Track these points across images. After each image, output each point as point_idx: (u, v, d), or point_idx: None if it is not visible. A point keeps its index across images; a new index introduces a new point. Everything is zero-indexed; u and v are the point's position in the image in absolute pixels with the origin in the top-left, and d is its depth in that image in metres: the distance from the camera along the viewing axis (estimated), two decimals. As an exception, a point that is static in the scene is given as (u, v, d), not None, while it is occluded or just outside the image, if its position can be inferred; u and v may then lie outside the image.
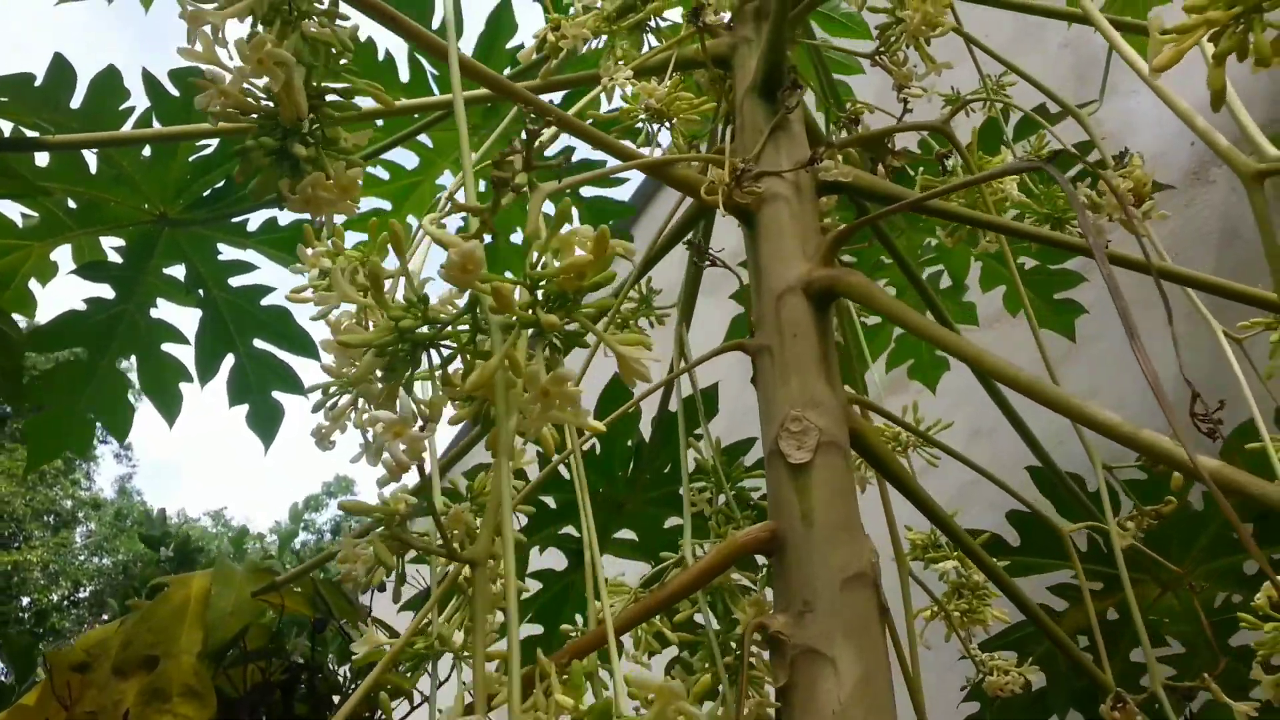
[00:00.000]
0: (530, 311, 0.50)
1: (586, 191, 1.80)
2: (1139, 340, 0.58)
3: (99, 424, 1.76)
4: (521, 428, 0.50)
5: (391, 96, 2.12)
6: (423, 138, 1.98)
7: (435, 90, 1.94)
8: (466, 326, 0.55)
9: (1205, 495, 1.54)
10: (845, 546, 0.81)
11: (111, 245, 1.72)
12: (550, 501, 1.87)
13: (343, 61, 0.71)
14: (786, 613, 0.80)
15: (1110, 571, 1.62)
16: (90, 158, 1.59)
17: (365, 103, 0.75)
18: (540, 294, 0.51)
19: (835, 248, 0.94)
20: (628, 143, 0.96)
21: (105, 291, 1.72)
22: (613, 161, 0.78)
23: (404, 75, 1.94)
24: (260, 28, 0.62)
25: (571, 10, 1.09)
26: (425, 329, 0.54)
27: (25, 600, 10.70)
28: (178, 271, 1.75)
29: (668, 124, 0.98)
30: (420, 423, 0.51)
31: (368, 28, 1.96)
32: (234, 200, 1.68)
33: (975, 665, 1.15)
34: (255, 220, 1.72)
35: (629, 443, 1.84)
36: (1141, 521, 0.98)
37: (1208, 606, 1.51)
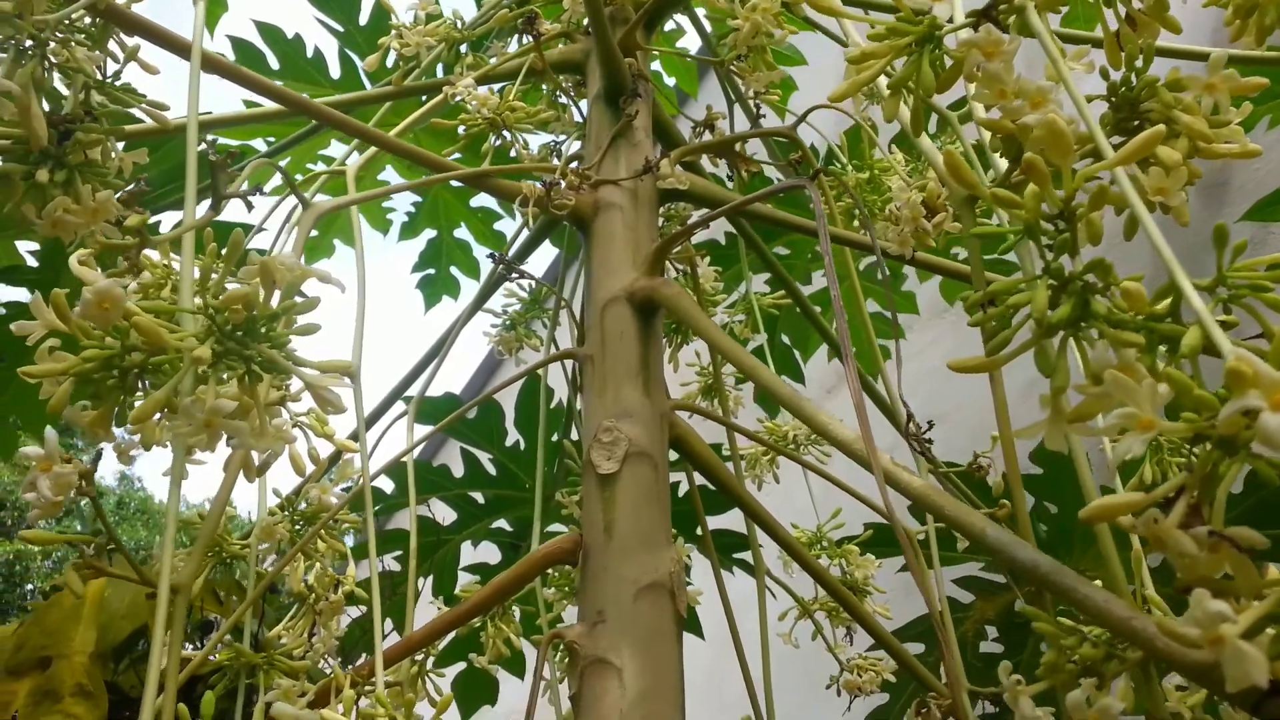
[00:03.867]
0: (210, 342, 0.51)
1: (475, 201, 1.82)
2: (851, 362, 0.59)
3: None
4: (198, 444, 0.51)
5: (323, 92, 2.11)
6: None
7: (367, 86, 1.95)
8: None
9: (1104, 490, 1.55)
10: (643, 557, 0.82)
11: (27, 249, 1.74)
12: (479, 497, 1.88)
13: (119, 81, 0.72)
14: (583, 623, 0.81)
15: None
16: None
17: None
18: (225, 325, 0.52)
19: (660, 256, 0.94)
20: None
21: (23, 295, 1.74)
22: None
23: (334, 72, 1.94)
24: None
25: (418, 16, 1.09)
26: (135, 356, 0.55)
27: (29, 587, 10.81)
28: (95, 274, 1.76)
29: (504, 134, 0.98)
30: (71, 463, 0.52)
31: (297, 24, 1.95)
32: (144, 201, 1.68)
33: (837, 662, 1.16)
34: (167, 222, 1.73)
35: (554, 438, 1.85)
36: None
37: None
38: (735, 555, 1.66)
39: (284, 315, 0.52)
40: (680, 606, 0.82)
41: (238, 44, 1.83)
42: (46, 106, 0.67)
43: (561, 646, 0.81)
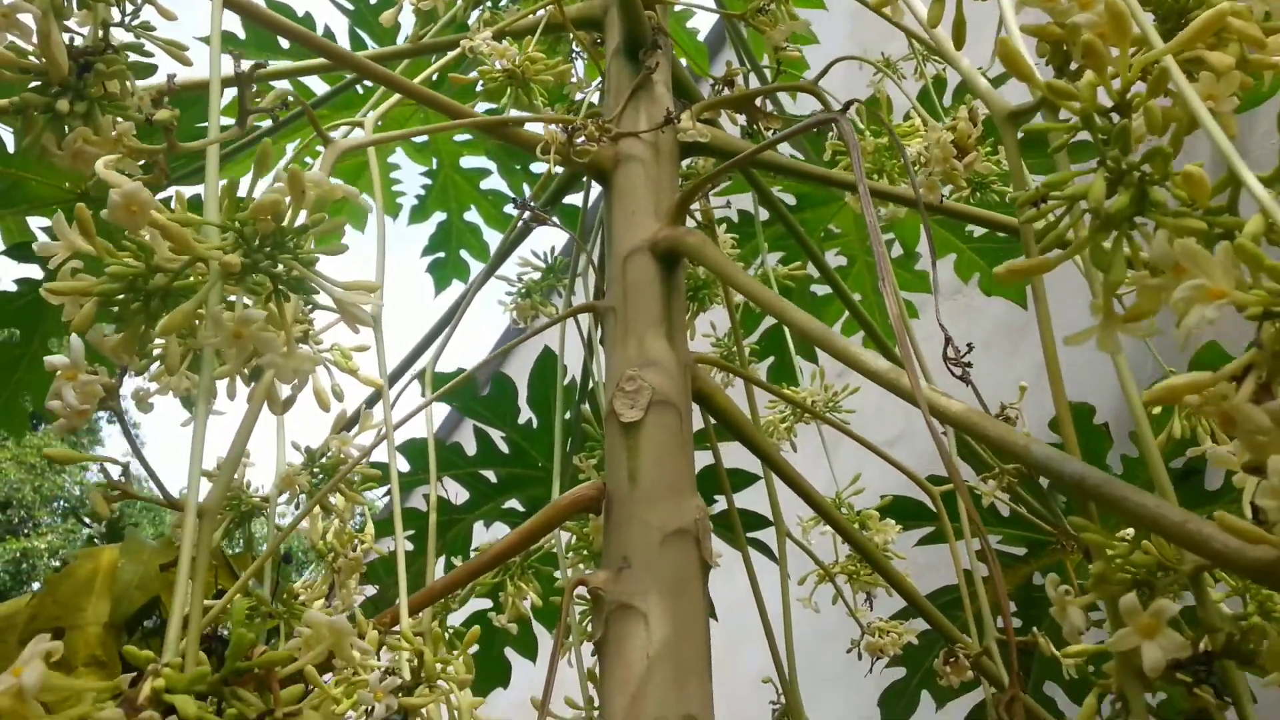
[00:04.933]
0: (238, 255, 0.50)
1: (486, 183, 1.81)
2: (891, 285, 0.58)
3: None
4: (225, 372, 0.50)
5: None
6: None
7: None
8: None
9: (1124, 458, 1.54)
10: (668, 504, 0.81)
11: (39, 226, 1.73)
12: (491, 476, 1.87)
13: (134, 20, 0.71)
14: (608, 569, 0.80)
15: (1034, 536, 1.61)
16: (7, 136, 1.59)
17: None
18: (253, 238, 0.51)
19: (683, 207, 0.93)
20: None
21: (35, 272, 1.73)
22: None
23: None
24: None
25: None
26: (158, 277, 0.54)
27: (36, 585, 10.83)
28: (106, 250, 1.75)
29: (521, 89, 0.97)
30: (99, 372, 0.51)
31: (307, 3, 1.95)
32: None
33: (859, 626, 1.14)
34: (187, 192, 1.71)
35: (566, 415, 1.84)
36: (1002, 479, 0.97)
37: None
38: (748, 535, 1.65)
39: (311, 230, 0.51)
40: (706, 554, 0.81)
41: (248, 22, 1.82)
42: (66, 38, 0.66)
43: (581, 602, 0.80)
